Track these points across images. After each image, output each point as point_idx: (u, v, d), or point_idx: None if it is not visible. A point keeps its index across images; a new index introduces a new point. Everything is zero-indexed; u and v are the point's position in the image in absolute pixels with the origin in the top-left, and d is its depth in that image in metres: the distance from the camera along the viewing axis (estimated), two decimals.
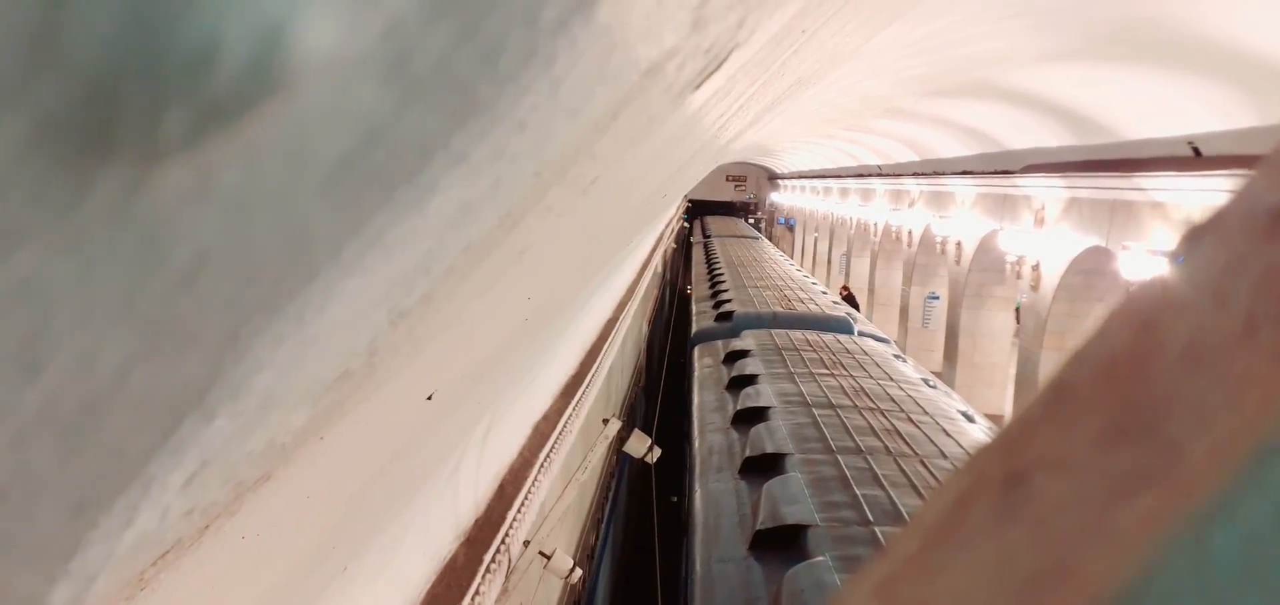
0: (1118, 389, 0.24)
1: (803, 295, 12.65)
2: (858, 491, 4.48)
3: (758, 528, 4.21)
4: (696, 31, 0.78)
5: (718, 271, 15.10)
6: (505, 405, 2.75)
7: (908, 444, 5.33)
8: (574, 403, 4.00)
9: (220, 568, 0.74)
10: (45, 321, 0.34)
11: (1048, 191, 10.33)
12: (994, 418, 9.28)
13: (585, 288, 3.03)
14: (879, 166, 17.93)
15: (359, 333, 0.59)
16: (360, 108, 0.40)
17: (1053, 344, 10.09)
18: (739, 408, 6.36)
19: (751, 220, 37.77)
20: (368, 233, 0.47)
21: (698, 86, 1.06)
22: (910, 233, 16.09)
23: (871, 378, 7.16)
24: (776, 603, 3.53)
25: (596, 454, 4.35)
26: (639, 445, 4.88)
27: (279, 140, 0.37)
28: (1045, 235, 10.39)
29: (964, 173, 12.90)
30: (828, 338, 8.93)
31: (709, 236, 24.24)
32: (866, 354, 8.21)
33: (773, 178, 38.41)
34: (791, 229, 34.55)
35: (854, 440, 5.37)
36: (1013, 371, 11.76)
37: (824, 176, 25.46)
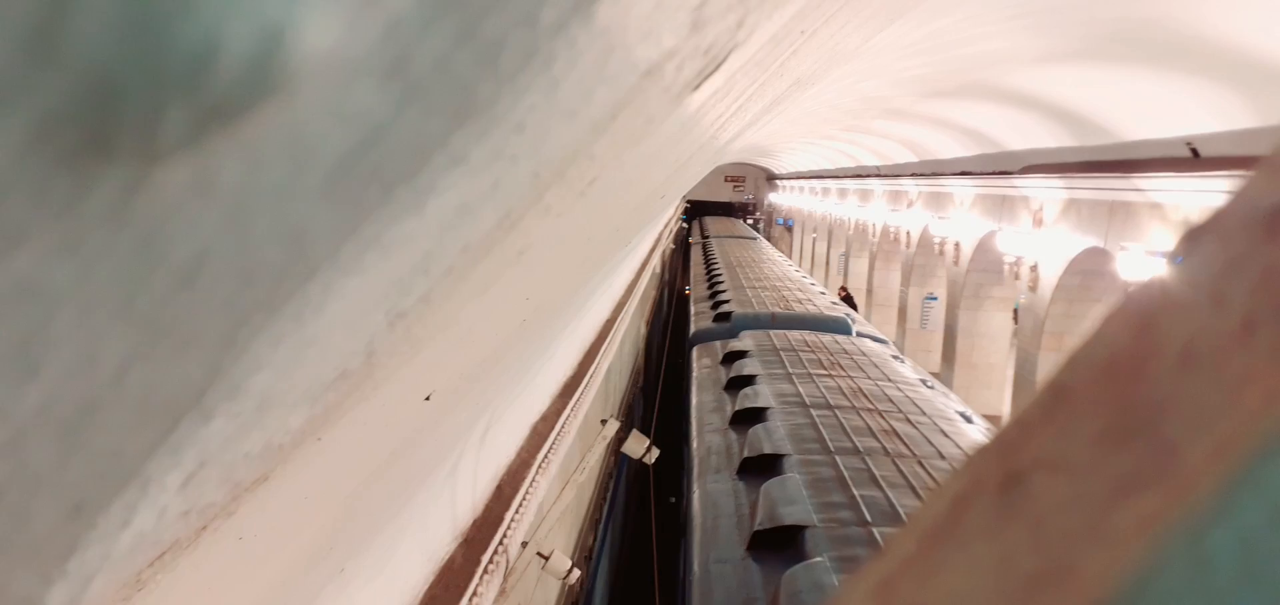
0: (1116, 390, 0.24)
1: (801, 296, 12.64)
2: (856, 492, 4.48)
3: (756, 528, 4.21)
4: (695, 32, 0.78)
5: (716, 272, 15.09)
6: (503, 406, 2.75)
7: (906, 445, 5.33)
8: (572, 403, 4.00)
9: (217, 568, 0.74)
10: (43, 321, 0.34)
11: (1046, 192, 10.34)
12: (992, 418, 9.30)
13: (583, 288, 3.03)
14: (877, 167, 17.94)
15: (357, 333, 0.59)
16: (359, 108, 0.40)
17: (1051, 345, 10.10)
18: (737, 408, 6.35)
19: (750, 221, 37.78)
20: (366, 233, 0.47)
21: (696, 87, 1.06)
22: (908, 233, 16.10)
23: (870, 378, 7.15)
24: (774, 603, 3.53)
25: (594, 455, 4.35)
26: (637, 446, 4.89)
27: (278, 141, 0.37)
28: (1043, 236, 10.39)
29: (962, 173, 12.90)
30: (826, 338, 8.93)
31: (707, 237, 24.23)
32: (865, 355, 8.21)
33: (771, 178, 38.44)
34: (790, 230, 34.57)
35: (852, 441, 5.37)
36: (1011, 372, 11.78)
37: (822, 177, 25.48)
